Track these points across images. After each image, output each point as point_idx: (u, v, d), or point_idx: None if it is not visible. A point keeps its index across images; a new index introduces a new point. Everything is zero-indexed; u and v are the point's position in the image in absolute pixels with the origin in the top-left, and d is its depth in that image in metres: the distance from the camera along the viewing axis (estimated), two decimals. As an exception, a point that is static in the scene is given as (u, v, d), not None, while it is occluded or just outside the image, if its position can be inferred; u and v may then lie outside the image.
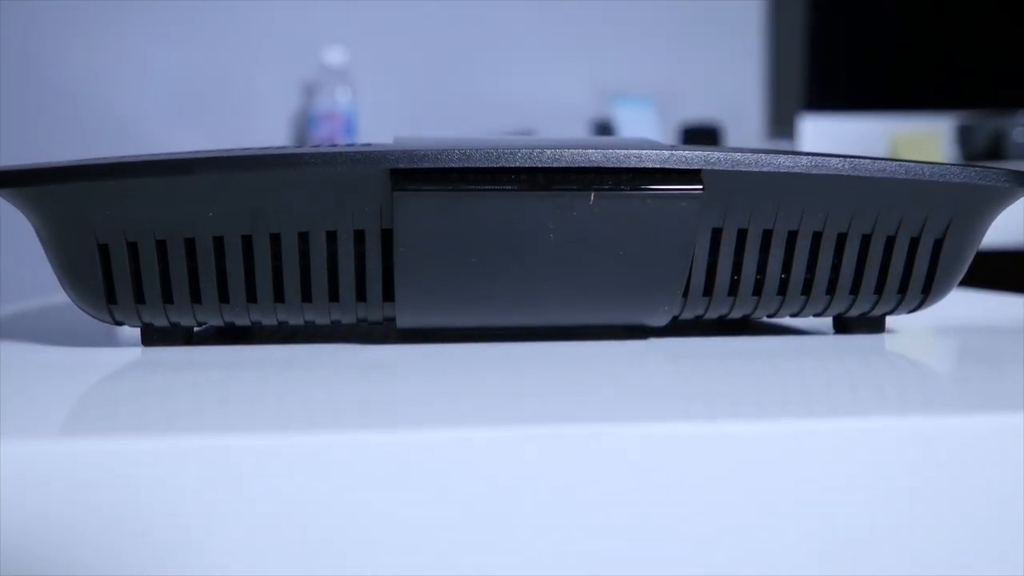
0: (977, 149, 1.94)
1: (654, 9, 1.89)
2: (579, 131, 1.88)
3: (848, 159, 0.40)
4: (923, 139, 1.88)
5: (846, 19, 2.09)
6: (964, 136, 1.97)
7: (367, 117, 1.81)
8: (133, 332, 0.48)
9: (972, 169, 0.41)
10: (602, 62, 1.89)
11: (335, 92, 1.75)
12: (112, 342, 0.45)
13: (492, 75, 1.87)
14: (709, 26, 1.91)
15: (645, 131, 1.80)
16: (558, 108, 1.87)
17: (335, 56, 1.76)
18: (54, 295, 0.77)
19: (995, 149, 1.91)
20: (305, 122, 1.81)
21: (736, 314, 0.43)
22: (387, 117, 1.84)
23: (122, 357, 0.40)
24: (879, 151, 1.96)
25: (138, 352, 0.41)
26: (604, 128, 1.86)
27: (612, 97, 1.84)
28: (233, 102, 1.81)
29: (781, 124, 1.97)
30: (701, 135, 1.84)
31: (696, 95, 1.90)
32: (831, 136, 2.01)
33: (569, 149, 0.38)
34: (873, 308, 0.43)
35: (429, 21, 1.85)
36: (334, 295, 0.40)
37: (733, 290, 0.42)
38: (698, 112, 1.89)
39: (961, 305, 0.60)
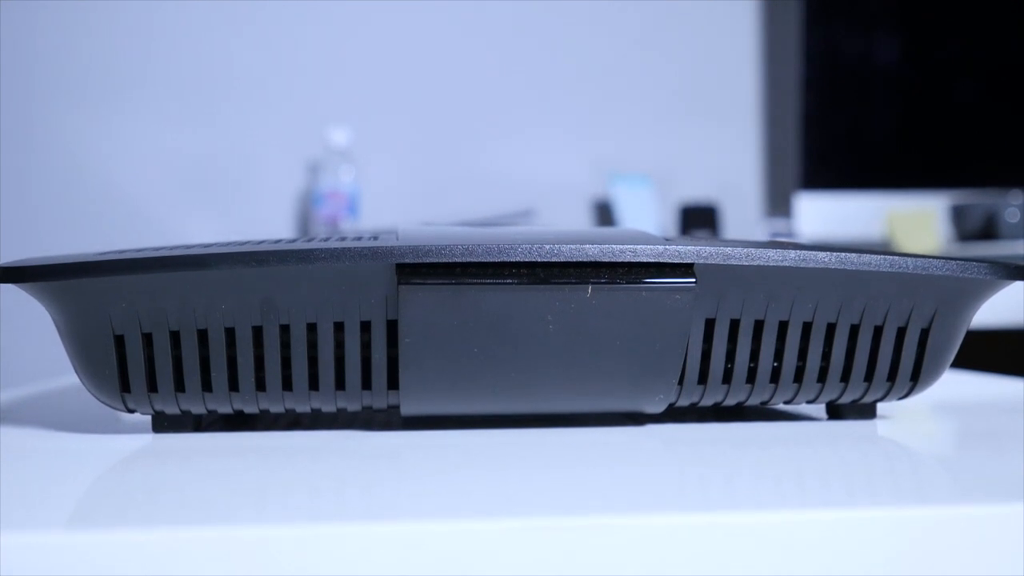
0: (971, 229, 1.96)
1: (652, 90, 1.94)
2: (579, 209, 1.90)
3: (835, 253, 0.41)
4: (919, 219, 1.90)
5: (841, 99, 2.14)
6: (958, 216, 1.99)
7: (370, 196, 1.84)
8: (142, 417, 0.49)
9: (954, 262, 0.42)
10: (601, 141, 1.92)
11: (339, 171, 1.79)
12: (120, 428, 0.46)
13: (493, 155, 1.90)
14: (707, 106, 1.95)
15: (644, 210, 1.83)
16: (558, 187, 1.90)
17: (339, 136, 1.79)
18: (57, 378, 0.78)
19: (988, 229, 1.94)
20: (309, 201, 1.84)
21: (730, 401, 0.44)
22: (390, 196, 1.87)
23: (132, 444, 0.41)
24: (876, 229, 1.99)
25: (148, 439, 0.42)
26: (603, 208, 1.89)
27: (611, 176, 1.87)
28: (238, 181, 1.84)
29: (778, 203, 2.00)
30: (699, 215, 1.86)
31: (694, 174, 1.93)
32: (828, 214, 2.04)
33: (567, 244, 0.39)
34: (864, 395, 0.45)
35: (431, 102, 1.89)
36: (340, 383, 0.41)
37: (727, 378, 0.43)
38: (696, 190, 1.92)
39: (954, 387, 0.61)
